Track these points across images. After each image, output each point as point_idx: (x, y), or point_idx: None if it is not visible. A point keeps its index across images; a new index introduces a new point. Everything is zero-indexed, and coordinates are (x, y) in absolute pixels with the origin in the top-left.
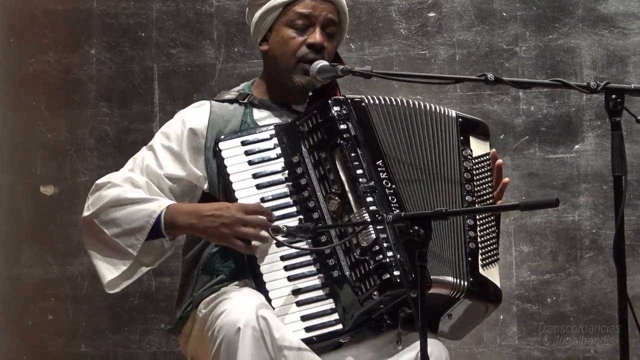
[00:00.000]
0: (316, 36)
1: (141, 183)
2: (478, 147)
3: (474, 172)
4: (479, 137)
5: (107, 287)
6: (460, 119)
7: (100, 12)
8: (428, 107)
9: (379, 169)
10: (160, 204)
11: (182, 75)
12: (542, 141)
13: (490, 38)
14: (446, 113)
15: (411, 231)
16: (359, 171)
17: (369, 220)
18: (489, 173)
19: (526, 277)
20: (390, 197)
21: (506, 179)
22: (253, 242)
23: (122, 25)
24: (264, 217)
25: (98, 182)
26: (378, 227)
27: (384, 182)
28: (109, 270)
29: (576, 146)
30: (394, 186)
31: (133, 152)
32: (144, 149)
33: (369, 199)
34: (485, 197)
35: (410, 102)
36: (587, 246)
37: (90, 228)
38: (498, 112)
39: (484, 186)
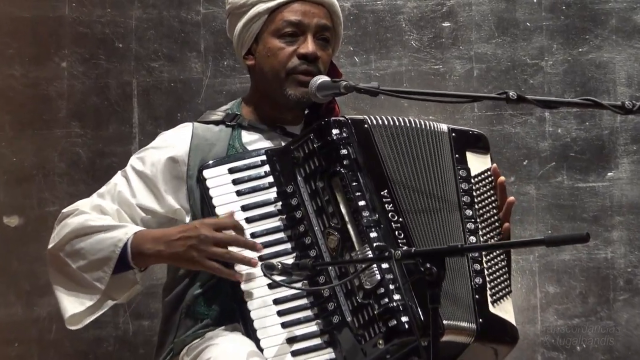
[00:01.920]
0: (308, 46)
1: (111, 211)
2: (477, 163)
3: (475, 194)
4: (477, 151)
5: (69, 323)
6: (453, 133)
7: (73, 19)
8: (421, 124)
9: (384, 199)
10: (127, 231)
11: (164, 91)
12: (570, 168)
13: (513, 51)
14: (437, 128)
15: (422, 269)
16: (362, 202)
17: (376, 256)
18: (492, 192)
19: (552, 321)
20: (396, 232)
21: (512, 198)
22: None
23: (98, 35)
24: (238, 237)
25: (65, 210)
26: (383, 266)
27: (389, 215)
28: (72, 305)
29: (609, 174)
30: (400, 219)
31: (108, 178)
32: (119, 173)
33: (373, 235)
34: (490, 222)
35: (408, 121)
36: (621, 287)
37: (54, 261)
38: (521, 135)
39: (487, 209)
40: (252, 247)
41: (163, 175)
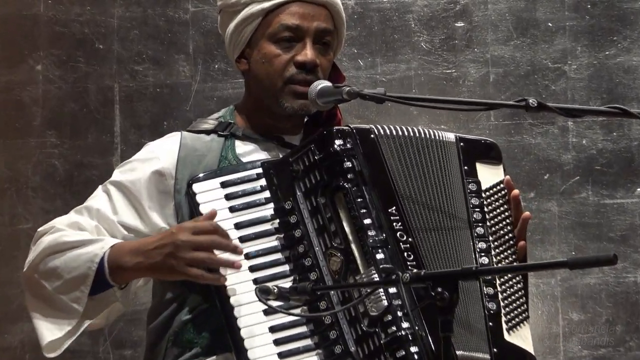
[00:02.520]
0: (307, 53)
1: (89, 227)
2: (489, 175)
3: (486, 210)
4: (488, 162)
5: (47, 350)
6: (461, 143)
7: (49, 18)
8: (428, 134)
9: (392, 217)
10: (103, 245)
11: (149, 97)
12: (596, 183)
13: (533, 54)
14: (443, 138)
15: (433, 294)
16: (367, 220)
17: (382, 279)
18: (505, 207)
19: (576, 352)
20: (405, 253)
21: (527, 213)
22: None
23: (76, 35)
24: (218, 238)
25: (40, 229)
26: (391, 291)
27: (398, 234)
28: (50, 331)
29: (639, 189)
30: (409, 239)
31: (88, 193)
32: (99, 188)
33: (380, 256)
34: (503, 240)
35: (422, 132)
36: None
37: (29, 284)
38: (542, 147)
39: (500, 225)
40: (234, 250)
41: (148, 190)
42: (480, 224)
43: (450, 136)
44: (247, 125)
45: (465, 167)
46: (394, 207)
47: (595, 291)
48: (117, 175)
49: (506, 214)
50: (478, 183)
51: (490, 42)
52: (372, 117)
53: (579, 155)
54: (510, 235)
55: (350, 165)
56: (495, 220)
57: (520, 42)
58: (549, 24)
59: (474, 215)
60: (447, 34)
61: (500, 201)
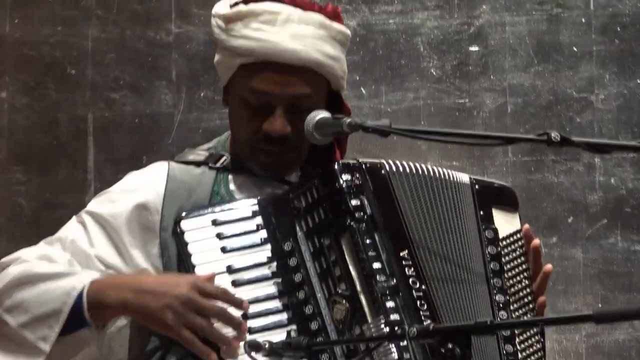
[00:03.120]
0: (275, 123)
1: (61, 260)
2: (505, 223)
3: (503, 260)
4: (504, 208)
5: None
6: (476, 186)
7: (15, 40)
8: (443, 174)
9: (404, 261)
10: (82, 278)
11: (127, 128)
12: (626, 227)
13: (555, 82)
14: (458, 179)
15: (443, 350)
16: (377, 265)
17: (386, 334)
18: (523, 259)
19: None
20: (418, 302)
21: (548, 266)
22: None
23: (45, 59)
24: (224, 310)
25: (3, 259)
26: (401, 344)
27: (410, 281)
28: None
29: None
30: (423, 286)
31: None
32: (73, 219)
33: (390, 304)
34: (521, 295)
35: (435, 171)
36: None
37: None
38: (565, 186)
39: (518, 278)
40: (238, 327)
41: (129, 225)
42: (497, 276)
43: (465, 178)
44: (239, 158)
45: (481, 213)
46: (406, 252)
47: (625, 348)
48: (95, 206)
49: (524, 266)
50: (495, 231)
51: (508, 68)
52: (375, 152)
53: (607, 195)
54: (528, 290)
55: (359, 203)
56: (513, 272)
57: (542, 68)
58: (574, 48)
59: (491, 266)
60: (460, 59)
61: (518, 252)
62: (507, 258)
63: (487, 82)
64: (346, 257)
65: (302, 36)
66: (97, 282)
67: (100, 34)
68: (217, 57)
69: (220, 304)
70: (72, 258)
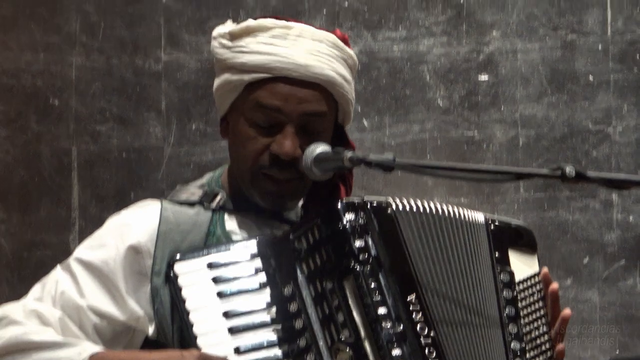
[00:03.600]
0: (285, 143)
1: (52, 319)
2: (523, 265)
3: (520, 305)
4: (521, 250)
5: None
6: (491, 226)
7: None
8: (455, 213)
9: (412, 306)
10: (81, 351)
11: (113, 163)
12: None
13: (571, 113)
14: (472, 218)
15: None
16: (382, 310)
17: None
18: (541, 304)
19: None
20: (427, 349)
21: (567, 311)
22: None
23: (26, 89)
24: None
25: None
26: None
27: (418, 327)
28: None
29: None
30: (432, 333)
31: (38, 278)
32: (59, 268)
33: (397, 352)
34: (538, 343)
35: (442, 208)
36: None
37: None
38: (581, 224)
39: (535, 325)
40: None
41: (124, 270)
42: (513, 322)
43: (480, 217)
44: (234, 196)
45: (497, 254)
46: (414, 295)
47: None
48: (84, 252)
49: (542, 312)
50: (511, 274)
51: (519, 98)
52: (378, 188)
53: (625, 235)
54: (546, 337)
55: (363, 245)
56: (530, 318)
57: (556, 99)
58: (590, 77)
59: (507, 311)
60: (469, 88)
61: (536, 296)
62: (524, 303)
63: (497, 114)
64: (349, 302)
65: (316, 52)
66: (98, 357)
67: (85, 62)
68: (218, 82)
69: None
70: (63, 315)
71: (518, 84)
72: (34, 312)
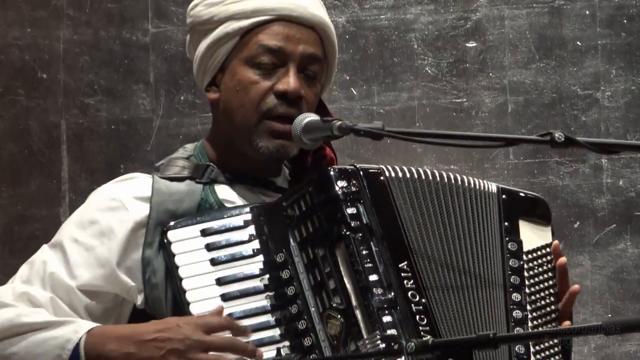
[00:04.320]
0: (290, 81)
1: (43, 300)
2: (533, 236)
3: (526, 275)
4: (533, 220)
5: None
6: (503, 196)
7: None
8: (462, 180)
9: (403, 273)
10: (77, 328)
11: (102, 136)
12: (636, 231)
13: (559, 79)
14: (483, 187)
15: None
16: (373, 277)
17: (383, 349)
18: (550, 274)
19: None
20: (418, 316)
21: (576, 287)
22: None
23: (14, 63)
24: (233, 339)
25: None
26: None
27: (409, 294)
28: None
29: None
30: (423, 299)
31: (31, 251)
32: (46, 247)
33: (387, 319)
34: (544, 312)
35: (443, 175)
36: None
37: None
38: (571, 189)
39: (542, 295)
40: (252, 355)
41: (115, 244)
42: (517, 290)
43: (492, 186)
44: (224, 166)
45: (506, 224)
46: (406, 263)
47: None
48: (72, 229)
49: (550, 282)
50: (519, 243)
51: (508, 65)
52: (368, 157)
53: (615, 199)
54: (552, 307)
55: (355, 212)
56: (536, 288)
57: (544, 64)
58: (578, 42)
59: (511, 279)
60: (457, 56)
61: (544, 267)
62: (531, 272)
63: (485, 80)
64: (341, 268)
65: None
66: (94, 334)
67: (73, 35)
68: (206, 42)
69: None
70: (53, 295)
71: (506, 51)
72: (24, 295)
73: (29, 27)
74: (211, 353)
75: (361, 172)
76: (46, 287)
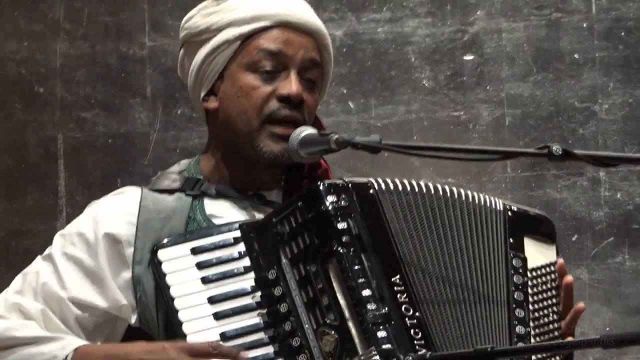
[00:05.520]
0: (292, 85)
1: (34, 311)
2: (537, 254)
3: (530, 292)
4: (538, 238)
5: None
6: (509, 213)
7: None
8: (463, 195)
9: (396, 287)
10: (65, 345)
11: (99, 150)
12: (634, 245)
13: (556, 92)
14: (489, 204)
15: None
16: (366, 292)
17: None
18: (554, 292)
19: None
20: (412, 330)
21: (581, 305)
22: None
23: (11, 77)
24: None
25: None
26: None
27: (403, 308)
28: None
29: None
30: (417, 313)
31: (27, 264)
32: (39, 259)
33: (381, 334)
34: (547, 329)
35: (438, 189)
36: None
37: None
38: (569, 203)
39: (545, 312)
40: None
41: (104, 259)
42: (520, 307)
43: (499, 203)
44: (215, 180)
45: (511, 240)
46: (398, 276)
47: None
48: (63, 242)
49: (553, 300)
50: (524, 260)
51: (505, 78)
52: (365, 170)
53: (613, 212)
54: (556, 325)
55: (345, 227)
56: (540, 305)
57: (542, 77)
58: (576, 55)
59: (515, 295)
60: (454, 69)
61: (549, 285)
62: (535, 290)
63: (483, 93)
64: (334, 284)
65: (302, 3)
66: (81, 351)
67: (69, 49)
68: (204, 51)
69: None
70: (45, 307)
71: (503, 64)
72: (15, 306)
73: (26, 41)
74: None
75: (350, 186)
76: (38, 298)
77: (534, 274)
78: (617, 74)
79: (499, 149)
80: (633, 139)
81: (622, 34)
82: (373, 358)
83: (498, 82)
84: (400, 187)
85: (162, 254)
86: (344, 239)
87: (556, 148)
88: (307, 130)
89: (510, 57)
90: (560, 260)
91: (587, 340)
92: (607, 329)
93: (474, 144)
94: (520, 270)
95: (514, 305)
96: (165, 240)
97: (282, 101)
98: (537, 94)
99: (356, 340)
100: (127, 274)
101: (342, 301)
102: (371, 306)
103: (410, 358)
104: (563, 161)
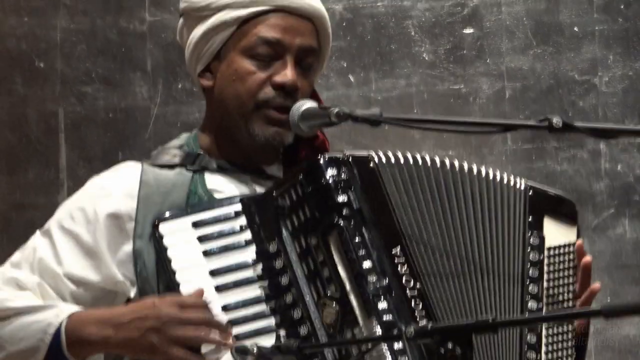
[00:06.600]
0: (287, 73)
1: (30, 284)
2: (557, 234)
3: (546, 269)
4: (559, 219)
5: None
6: (530, 192)
7: None
8: (484, 172)
9: (397, 259)
10: (59, 312)
11: (100, 124)
12: (634, 216)
13: (556, 65)
14: (511, 183)
15: (442, 351)
16: (367, 264)
17: (382, 335)
18: (570, 272)
19: None
20: (413, 301)
21: (596, 285)
22: (203, 349)
23: (11, 52)
24: (208, 315)
25: None
26: (396, 346)
27: (403, 279)
28: None
29: None
30: (418, 284)
31: (28, 238)
32: (38, 234)
33: (382, 305)
34: (560, 307)
35: (445, 163)
36: None
37: None
38: (569, 175)
39: (560, 290)
40: (225, 331)
41: (103, 234)
42: (534, 283)
43: (521, 182)
44: (215, 155)
45: (530, 219)
46: (399, 248)
47: (635, 344)
48: (63, 216)
49: (569, 280)
50: (542, 238)
51: (505, 51)
52: (366, 143)
53: (614, 183)
54: (570, 304)
55: (346, 200)
56: (555, 283)
57: (541, 50)
58: (575, 28)
59: (529, 271)
60: (454, 42)
61: (566, 264)
62: (551, 268)
63: (483, 67)
64: (334, 257)
65: None
66: (75, 318)
67: (70, 24)
68: (203, 28)
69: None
70: (41, 280)
71: (503, 37)
72: (12, 280)
73: (26, 16)
74: (188, 327)
75: (351, 159)
76: (34, 272)
77: (552, 252)
78: (617, 46)
79: (499, 122)
80: (633, 111)
81: (622, 7)
82: (374, 329)
83: (498, 56)
84: (402, 160)
85: (163, 227)
86: (344, 211)
87: (556, 120)
88: (308, 104)
89: (510, 30)
90: (579, 241)
91: (588, 310)
92: (608, 299)
93: (474, 117)
94: (538, 248)
95: (528, 282)
96: (166, 214)
97: (277, 89)
98: (537, 67)
99: (357, 311)
100: (127, 247)
101: (342, 273)
102: (372, 278)
103: (412, 329)
104: (563, 133)
